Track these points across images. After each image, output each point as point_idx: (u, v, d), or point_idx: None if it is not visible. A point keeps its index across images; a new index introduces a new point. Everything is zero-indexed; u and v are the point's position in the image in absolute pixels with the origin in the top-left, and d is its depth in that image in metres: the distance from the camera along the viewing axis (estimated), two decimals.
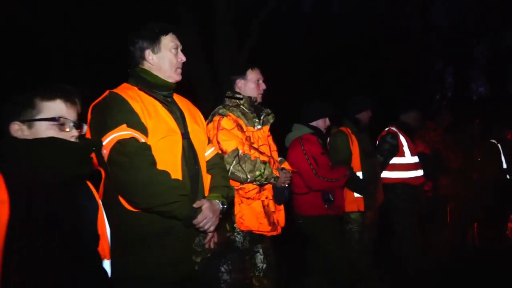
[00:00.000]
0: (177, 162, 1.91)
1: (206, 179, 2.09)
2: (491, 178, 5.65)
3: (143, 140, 1.81)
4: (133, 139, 1.77)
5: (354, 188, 3.68)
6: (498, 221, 5.96)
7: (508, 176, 5.88)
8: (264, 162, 2.57)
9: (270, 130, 2.91)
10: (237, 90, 2.83)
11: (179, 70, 2.09)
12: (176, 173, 1.89)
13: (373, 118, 4.14)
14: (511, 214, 5.93)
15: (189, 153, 2.00)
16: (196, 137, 2.06)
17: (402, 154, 4.35)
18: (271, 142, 2.85)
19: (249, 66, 2.83)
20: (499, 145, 5.98)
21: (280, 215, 2.76)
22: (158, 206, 1.77)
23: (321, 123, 3.46)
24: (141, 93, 1.94)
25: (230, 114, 2.65)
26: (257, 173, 2.50)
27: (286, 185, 2.71)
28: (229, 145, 2.52)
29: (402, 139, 4.39)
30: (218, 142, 2.53)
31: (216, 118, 2.64)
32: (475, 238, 5.71)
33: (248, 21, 7.79)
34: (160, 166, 1.82)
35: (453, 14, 16.71)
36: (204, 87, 7.82)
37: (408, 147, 4.38)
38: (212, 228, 1.93)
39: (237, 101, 2.75)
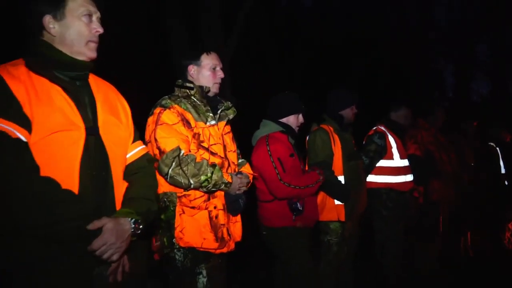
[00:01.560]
0: (74, 166, 1.44)
1: (121, 189, 1.62)
2: (487, 184, 5.23)
3: (18, 135, 1.35)
4: (3, 133, 1.32)
5: (334, 194, 3.25)
6: (494, 230, 5.54)
7: (506, 182, 5.45)
8: (212, 165, 2.13)
9: (239, 127, 2.45)
10: (190, 78, 2.38)
11: (93, 45, 1.60)
12: (71, 181, 1.43)
13: (361, 116, 3.72)
14: (509, 222, 5.49)
15: (96, 154, 1.52)
16: (110, 132, 1.58)
17: (390, 157, 3.91)
18: (228, 141, 2.40)
19: (204, 50, 2.37)
20: (497, 148, 5.55)
21: (235, 228, 2.32)
22: (33, 228, 1.33)
23: (292, 120, 3.00)
24: (32, 73, 1.47)
25: (175, 106, 2.20)
26: (203, 178, 2.06)
27: (242, 192, 2.26)
28: (168, 143, 2.07)
29: (391, 139, 3.96)
30: (156, 140, 2.09)
31: (157, 110, 2.19)
32: (468, 248, 5.28)
33: (235, 9, 7.33)
34: (45, 171, 1.37)
35: (453, 11, 16.24)
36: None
37: (397, 148, 3.94)
38: (115, 257, 1.46)
39: (187, 91, 2.30)
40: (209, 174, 2.06)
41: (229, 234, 2.22)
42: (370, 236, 3.93)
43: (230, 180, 2.16)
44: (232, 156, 2.39)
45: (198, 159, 2.10)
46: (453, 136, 4.91)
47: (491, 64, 16.47)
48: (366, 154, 3.85)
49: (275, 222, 2.82)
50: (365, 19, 14.31)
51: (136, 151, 1.74)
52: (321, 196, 3.30)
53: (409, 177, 3.94)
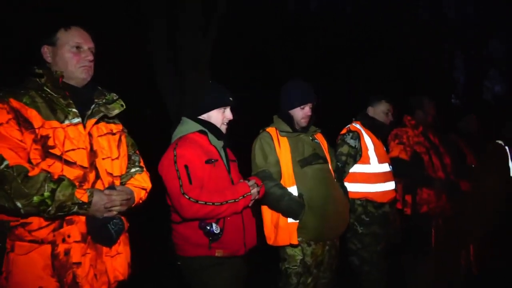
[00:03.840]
0: None
1: None
2: (493, 189, 4.49)
3: None
4: None
5: (280, 209, 2.62)
6: (503, 243, 4.78)
7: None
8: (58, 180, 1.53)
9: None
10: (48, 63, 1.78)
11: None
12: None
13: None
14: None
15: None
16: None
17: (366, 160, 3.25)
18: (105, 144, 1.80)
19: (60, 24, 1.77)
20: (506, 147, 4.80)
21: (115, 263, 1.71)
22: None
23: (215, 116, 2.34)
24: None
25: (10, 100, 1.60)
26: (36, 199, 1.46)
27: (114, 214, 1.65)
28: None
29: (367, 139, 3.30)
30: None
31: None
32: (471, 265, 4.54)
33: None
34: None
35: (466, 5, 15.37)
36: (165, 76, 6.84)
37: (374, 151, 3.27)
38: None
39: (37, 79, 1.70)
40: (46, 193, 1.46)
41: (95, 276, 1.59)
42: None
43: (85, 200, 1.54)
44: (109, 165, 1.78)
45: (35, 172, 1.49)
46: (449, 136, 4.21)
47: (505, 61, 15.54)
48: (337, 158, 3.21)
49: (188, 250, 2.16)
50: (373, 14, 13.63)
51: None
52: (270, 213, 2.69)
53: (389, 185, 3.27)
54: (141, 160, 2.07)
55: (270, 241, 2.72)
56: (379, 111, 3.39)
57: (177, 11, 6.71)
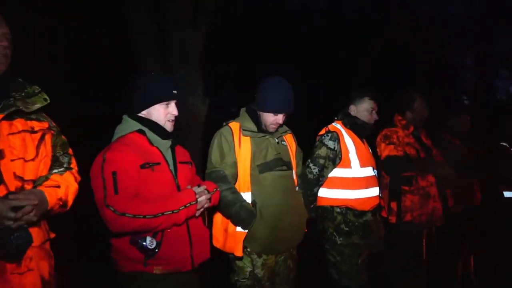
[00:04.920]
0: None
1: None
2: (494, 194, 4.15)
3: None
4: None
5: (231, 217, 2.38)
6: (505, 251, 4.43)
7: None
8: None
9: None
10: None
11: None
12: None
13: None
14: None
15: None
16: None
17: (346, 164, 2.94)
18: (16, 143, 1.56)
19: None
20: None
21: (24, 281, 1.47)
22: None
23: (157, 112, 2.01)
24: None
25: None
26: None
27: (19, 224, 1.40)
28: None
29: (348, 140, 2.99)
30: None
31: None
32: (471, 275, 4.21)
33: None
34: None
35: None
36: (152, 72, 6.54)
37: (356, 153, 2.97)
38: None
39: None
40: None
41: None
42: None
43: None
44: (19, 167, 1.54)
45: None
46: (441, 135, 3.86)
47: None
48: (314, 161, 2.91)
49: (125, 265, 1.87)
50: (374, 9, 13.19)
51: None
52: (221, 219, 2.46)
53: (372, 191, 2.95)
54: (73, 162, 1.82)
55: (218, 243, 2.46)
56: (362, 109, 3.08)
57: (164, 3, 6.43)
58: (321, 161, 2.91)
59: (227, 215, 2.38)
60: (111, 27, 6.87)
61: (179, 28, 6.35)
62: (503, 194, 4.16)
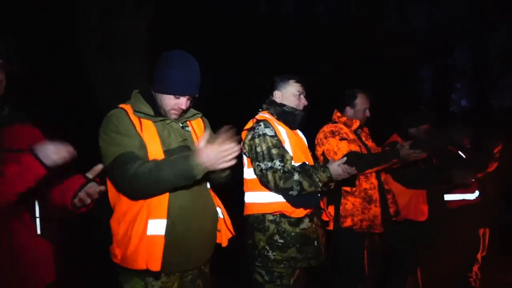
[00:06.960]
0: None
1: None
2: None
3: None
4: None
5: (172, 179, 1.83)
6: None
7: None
8: None
9: None
10: None
11: None
12: None
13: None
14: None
15: None
16: None
17: None
18: None
19: None
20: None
21: None
22: None
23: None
24: None
25: None
26: None
27: None
28: None
29: (282, 131, 2.54)
30: None
31: None
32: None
33: None
34: None
35: (434, 14, 15.06)
36: (96, 68, 6.07)
37: (290, 144, 2.52)
38: None
39: None
40: None
41: None
42: None
43: None
44: None
45: None
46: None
47: (473, 73, 15.29)
48: (268, 158, 2.40)
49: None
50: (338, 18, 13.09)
51: None
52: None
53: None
54: None
55: (116, 258, 1.89)
56: (289, 94, 2.63)
57: None
58: (275, 151, 2.40)
59: (163, 184, 1.77)
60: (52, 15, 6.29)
61: (122, 15, 5.96)
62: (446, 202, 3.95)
